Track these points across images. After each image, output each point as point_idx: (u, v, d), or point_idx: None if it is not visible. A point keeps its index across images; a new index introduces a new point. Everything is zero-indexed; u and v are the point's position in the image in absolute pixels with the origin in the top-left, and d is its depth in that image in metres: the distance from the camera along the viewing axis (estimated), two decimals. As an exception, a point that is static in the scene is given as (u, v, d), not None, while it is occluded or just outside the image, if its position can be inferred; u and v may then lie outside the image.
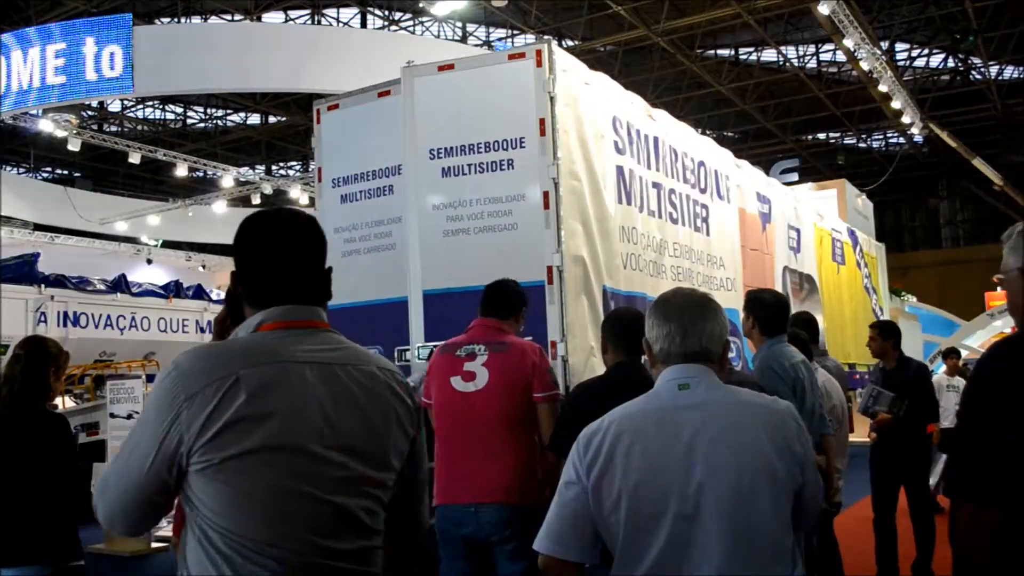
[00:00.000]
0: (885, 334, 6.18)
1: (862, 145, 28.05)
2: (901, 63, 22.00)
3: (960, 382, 8.94)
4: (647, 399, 1.96)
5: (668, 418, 1.87)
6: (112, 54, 12.21)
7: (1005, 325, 16.70)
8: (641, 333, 3.46)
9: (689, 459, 1.80)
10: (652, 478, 1.81)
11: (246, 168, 25.18)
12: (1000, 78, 22.95)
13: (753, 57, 22.10)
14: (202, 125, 25.78)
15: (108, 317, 12.36)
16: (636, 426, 1.88)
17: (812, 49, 21.74)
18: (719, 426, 1.84)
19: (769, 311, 3.99)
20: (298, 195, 21.14)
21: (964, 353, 17.47)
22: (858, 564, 5.67)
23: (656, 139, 6.25)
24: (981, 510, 1.73)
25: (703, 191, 7.00)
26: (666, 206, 6.30)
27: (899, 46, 21.87)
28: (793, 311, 4.92)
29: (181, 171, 19.99)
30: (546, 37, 18.13)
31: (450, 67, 5.37)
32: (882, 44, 19.50)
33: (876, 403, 5.90)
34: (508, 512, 3.46)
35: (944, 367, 9.79)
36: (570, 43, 19.00)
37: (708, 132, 17.89)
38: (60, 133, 17.07)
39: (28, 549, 3.09)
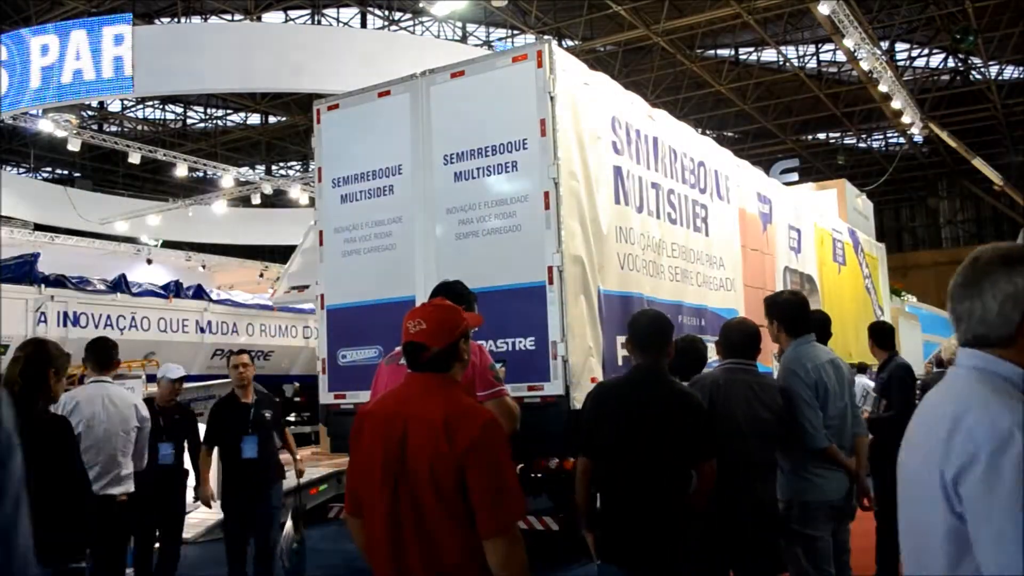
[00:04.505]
0: (869, 333, 6.18)
1: (862, 145, 28.02)
2: (901, 63, 21.98)
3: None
4: None
5: None
6: (112, 54, 12.21)
7: (1005, 325, 16.63)
8: (659, 335, 3.38)
9: None
10: None
11: (246, 168, 25.16)
12: (1000, 78, 22.93)
13: (753, 57, 22.08)
14: (202, 125, 25.76)
15: (108, 317, 12.29)
16: None
17: (812, 49, 21.72)
18: None
19: (789, 311, 3.86)
20: (298, 195, 21.11)
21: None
22: (858, 564, 5.66)
23: (655, 139, 6.24)
24: None
25: (703, 191, 6.99)
26: (665, 206, 6.29)
27: (899, 46, 21.86)
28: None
29: (181, 171, 19.97)
30: (546, 37, 18.09)
31: (461, 73, 5.40)
32: (882, 44, 19.48)
33: (865, 402, 5.93)
34: None
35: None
36: (570, 43, 18.99)
37: (708, 132, 17.89)
38: (60, 133, 17.06)
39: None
